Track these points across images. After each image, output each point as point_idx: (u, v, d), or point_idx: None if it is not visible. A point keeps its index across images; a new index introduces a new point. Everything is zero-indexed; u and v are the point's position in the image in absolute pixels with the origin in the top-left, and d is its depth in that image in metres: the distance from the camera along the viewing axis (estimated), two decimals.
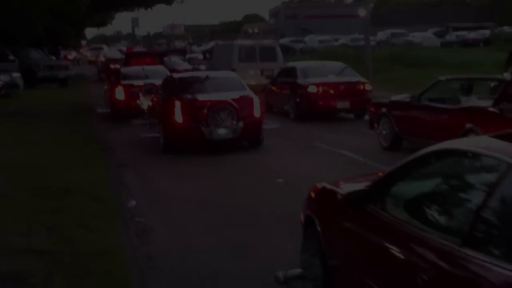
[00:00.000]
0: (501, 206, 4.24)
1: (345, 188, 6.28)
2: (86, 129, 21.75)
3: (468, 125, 12.82)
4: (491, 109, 12.86)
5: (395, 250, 5.10)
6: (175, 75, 20.06)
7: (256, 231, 9.55)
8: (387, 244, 5.25)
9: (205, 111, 16.77)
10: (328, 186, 6.70)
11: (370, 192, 5.76)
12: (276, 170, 14.06)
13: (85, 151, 17.06)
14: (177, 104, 17.12)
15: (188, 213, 10.94)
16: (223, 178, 13.86)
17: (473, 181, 4.80)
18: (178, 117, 17.01)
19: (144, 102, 22.38)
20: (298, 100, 23.20)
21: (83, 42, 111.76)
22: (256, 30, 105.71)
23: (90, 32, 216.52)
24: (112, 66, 35.61)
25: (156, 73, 24.23)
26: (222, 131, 16.81)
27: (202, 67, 34.93)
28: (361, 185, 6.02)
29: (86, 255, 8.47)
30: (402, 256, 4.98)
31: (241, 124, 16.88)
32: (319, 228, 6.55)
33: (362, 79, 23.74)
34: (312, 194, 7.05)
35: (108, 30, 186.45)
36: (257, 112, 17.46)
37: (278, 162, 15.34)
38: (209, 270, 8.02)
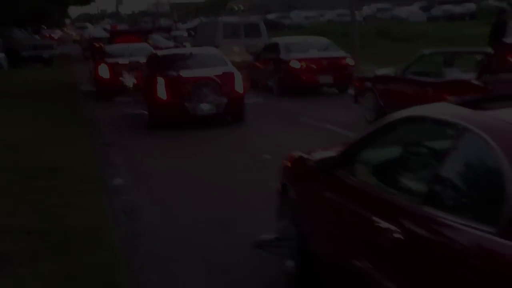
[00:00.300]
0: (457, 168, 4.55)
1: (317, 155, 6.49)
2: (72, 107, 21.70)
3: (451, 98, 12.86)
4: (474, 82, 12.90)
5: (363, 213, 5.36)
6: (159, 52, 20.32)
7: (243, 206, 9.55)
8: (355, 207, 5.53)
9: (188, 87, 17.03)
10: (302, 155, 6.91)
11: (340, 159, 5.96)
12: (262, 146, 14.07)
13: (71, 129, 17.05)
14: (161, 80, 17.34)
15: (174, 190, 10.95)
16: (209, 154, 13.88)
17: (434, 145, 5.07)
18: (162, 93, 17.23)
19: (129, 80, 22.39)
20: (281, 75, 23.29)
21: (67, 21, 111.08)
22: (241, 7, 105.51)
23: (74, 10, 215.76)
24: (96, 44, 35.47)
25: (141, 51, 24.13)
26: (205, 107, 17.06)
27: (187, 44, 34.90)
28: (332, 152, 6.24)
29: (73, 233, 8.48)
30: (369, 218, 5.21)
31: (224, 99, 17.13)
32: (293, 195, 6.77)
33: (345, 54, 23.82)
34: (287, 163, 7.24)
35: (92, 9, 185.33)
36: (239, 88, 17.71)
37: (264, 137, 15.36)
38: (196, 246, 8.04)
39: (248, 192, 10.29)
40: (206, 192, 10.67)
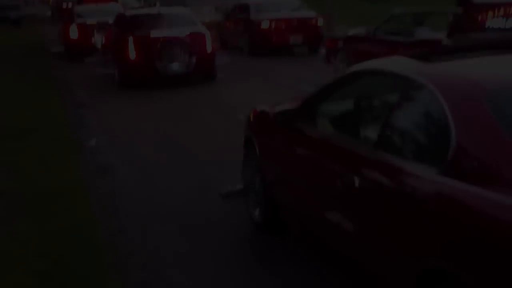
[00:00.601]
0: (406, 116, 4.90)
1: (278, 108, 6.76)
2: (42, 68, 21.57)
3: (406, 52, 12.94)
4: (444, 41, 12.97)
5: (322, 160, 5.68)
6: (127, 12, 20.37)
7: (218, 166, 9.52)
8: (314, 156, 5.83)
9: (158, 46, 17.20)
10: (264, 108, 7.18)
11: (299, 111, 6.24)
12: (236, 106, 14.07)
13: (42, 90, 16.97)
14: (130, 40, 17.45)
15: (148, 150, 10.94)
16: (182, 114, 13.86)
17: (387, 95, 5.40)
18: (132, 53, 17.40)
19: (98, 40, 22.29)
20: (251, 36, 23.28)
21: None
22: None
23: None
24: (64, 5, 35.16)
25: (110, 11, 23.93)
26: (175, 66, 17.33)
27: (158, 3, 34.65)
28: (292, 105, 6.53)
29: (48, 194, 8.48)
30: (327, 165, 5.56)
31: (193, 59, 17.41)
32: (256, 147, 7.04)
33: (315, 15, 23.83)
34: (251, 117, 7.49)
35: None
36: (209, 47, 17.97)
37: (237, 98, 15.35)
38: (170, 207, 8.06)
39: (224, 152, 10.28)
40: (180, 152, 10.68)
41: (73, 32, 24.25)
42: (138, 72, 17.46)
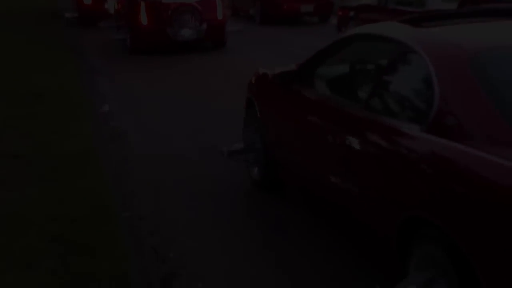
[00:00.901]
0: (395, 78, 5.25)
1: (277, 70, 7.04)
2: (55, 34, 21.53)
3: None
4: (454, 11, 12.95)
5: (317, 120, 5.95)
6: None
7: (230, 132, 9.38)
8: (311, 116, 6.08)
9: (169, 12, 17.37)
10: (265, 71, 7.46)
11: (297, 72, 6.57)
12: (248, 73, 14.05)
13: (55, 55, 16.97)
14: (142, 6, 17.58)
15: (159, 116, 11.00)
16: (194, 80, 13.94)
17: (377, 58, 5.72)
18: (144, 19, 17.55)
19: (111, 5, 22.26)
20: (262, 3, 23.25)
21: None
22: None
23: None
24: None
25: None
26: (186, 32, 17.48)
27: None
28: (290, 68, 6.86)
29: (60, 159, 8.53)
30: (320, 125, 5.85)
31: (204, 25, 17.56)
32: (257, 108, 7.32)
33: None
34: (253, 79, 7.75)
35: None
36: (220, 14, 18.10)
37: (248, 65, 15.28)
38: (182, 172, 8.15)
39: (235, 119, 10.24)
40: (192, 118, 10.72)
41: None
42: (150, 37, 17.59)
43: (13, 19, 24.80)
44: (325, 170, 5.78)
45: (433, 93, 4.48)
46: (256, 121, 7.40)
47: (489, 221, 3.68)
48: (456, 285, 3.92)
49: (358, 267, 5.50)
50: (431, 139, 4.33)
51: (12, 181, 7.75)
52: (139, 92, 13.08)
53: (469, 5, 12.78)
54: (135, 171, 8.28)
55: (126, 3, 18.75)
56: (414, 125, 4.54)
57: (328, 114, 5.78)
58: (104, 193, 7.41)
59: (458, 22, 5.61)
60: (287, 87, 6.63)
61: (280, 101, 6.83)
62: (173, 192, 7.52)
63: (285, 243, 6.07)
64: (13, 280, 5.37)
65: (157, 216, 6.86)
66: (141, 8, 17.51)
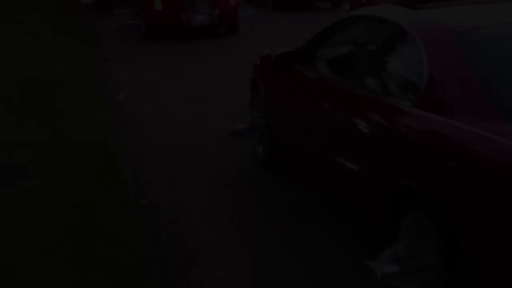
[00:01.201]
0: (388, 57, 5.58)
1: (280, 51, 7.22)
2: (72, 20, 21.52)
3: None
4: None
5: (315, 99, 6.26)
6: None
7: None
8: (308, 95, 6.42)
9: None
10: (268, 52, 7.71)
11: (298, 53, 6.89)
12: None
13: (72, 42, 17.00)
14: None
15: (176, 104, 11.06)
16: (209, 68, 13.97)
17: (374, 38, 6.02)
18: (158, 4, 17.80)
19: None
20: None
21: None
22: None
23: None
24: None
25: None
26: (199, 18, 17.73)
27: None
28: (292, 48, 7.10)
29: (78, 147, 8.59)
30: (320, 103, 6.12)
31: (217, 11, 17.78)
32: (261, 89, 7.63)
33: None
34: (257, 61, 8.05)
35: None
36: (232, 0, 18.23)
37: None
38: (200, 161, 8.22)
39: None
40: (209, 106, 10.77)
41: None
42: (164, 23, 17.82)
43: (29, 7, 24.78)
44: (324, 147, 6.08)
45: (423, 71, 4.77)
46: (261, 101, 7.66)
47: (470, 189, 3.98)
48: (440, 247, 4.21)
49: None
50: (420, 113, 4.63)
51: (31, 169, 7.81)
52: (155, 79, 13.16)
53: None
54: (153, 159, 8.34)
55: None
56: (406, 100, 4.86)
57: (326, 92, 6.09)
58: (122, 181, 7.46)
59: (450, 4, 5.99)
60: (288, 67, 6.97)
61: (281, 80, 7.17)
62: (191, 180, 7.59)
63: (302, 231, 6.13)
64: (33, 268, 5.45)
65: (175, 204, 6.93)
66: None
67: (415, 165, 4.51)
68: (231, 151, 8.44)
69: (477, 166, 3.98)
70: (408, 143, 4.65)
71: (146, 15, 18.21)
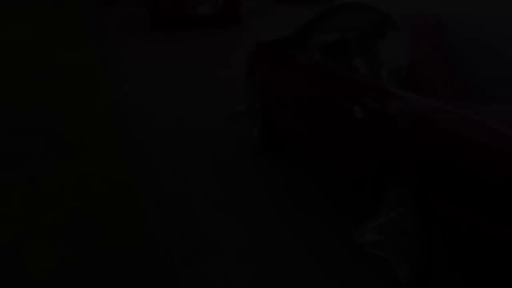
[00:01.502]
0: (373, 42, 5.94)
1: (275, 38, 7.71)
2: (76, 9, 21.59)
3: None
4: None
5: (306, 83, 6.58)
6: None
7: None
8: (301, 79, 6.74)
9: None
10: (264, 40, 8.17)
11: (291, 39, 7.22)
12: None
13: (77, 31, 17.06)
14: None
15: (181, 94, 11.10)
16: (215, 59, 14.02)
17: (362, 25, 6.23)
18: None
19: None
20: None
21: None
22: None
23: None
24: None
25: None
26: (203, 8, 17.84)
27: None
28: (286, 35, 7.45)
29: (84, 137, 8.62)
30: (311, 87, 6.46)
31: (221, 1, 17.92)
32: (256, 74, 7.97)
33: None
34: (253, 48, 8.36)
35: None
36: None
37: None
38: (204, 150, 8.26)
39: None
40: (213, 96, 10.79)
41: None
42: (168, 12, 17.94)
43: None
44: (314, 127, 6.37)
45: (406, 55, 5.10)
46: (256, 85, 7.97)
47: (441, 162, 4.29)
48: (417, 215, 4.53)
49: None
50: (401, 93, 4.97)
51: (37, 156, 7.86)
52: (160, 69, 13.19)
53: None
54: (156, 149, 8.35)
55: None
56: (390, 82, 5.22)
57: (316, 75, 6.44)
58: (128, 169, 7.49)
59: None
60: (281, 52, 7.35)
61: (276, 65, 7.47)
62: (197, 168, 7.61)
63: (307, 219, 6.14)
64: (38, 254, 5.46)
65: (181, 192, 6.94)
66: None
67: (398, 142, 4.84)
68: (239, 139, 8.55)
69: (448, 141, 4.31)
70: (392, 122, 4.94)
71: (150, 4, 18.28)
